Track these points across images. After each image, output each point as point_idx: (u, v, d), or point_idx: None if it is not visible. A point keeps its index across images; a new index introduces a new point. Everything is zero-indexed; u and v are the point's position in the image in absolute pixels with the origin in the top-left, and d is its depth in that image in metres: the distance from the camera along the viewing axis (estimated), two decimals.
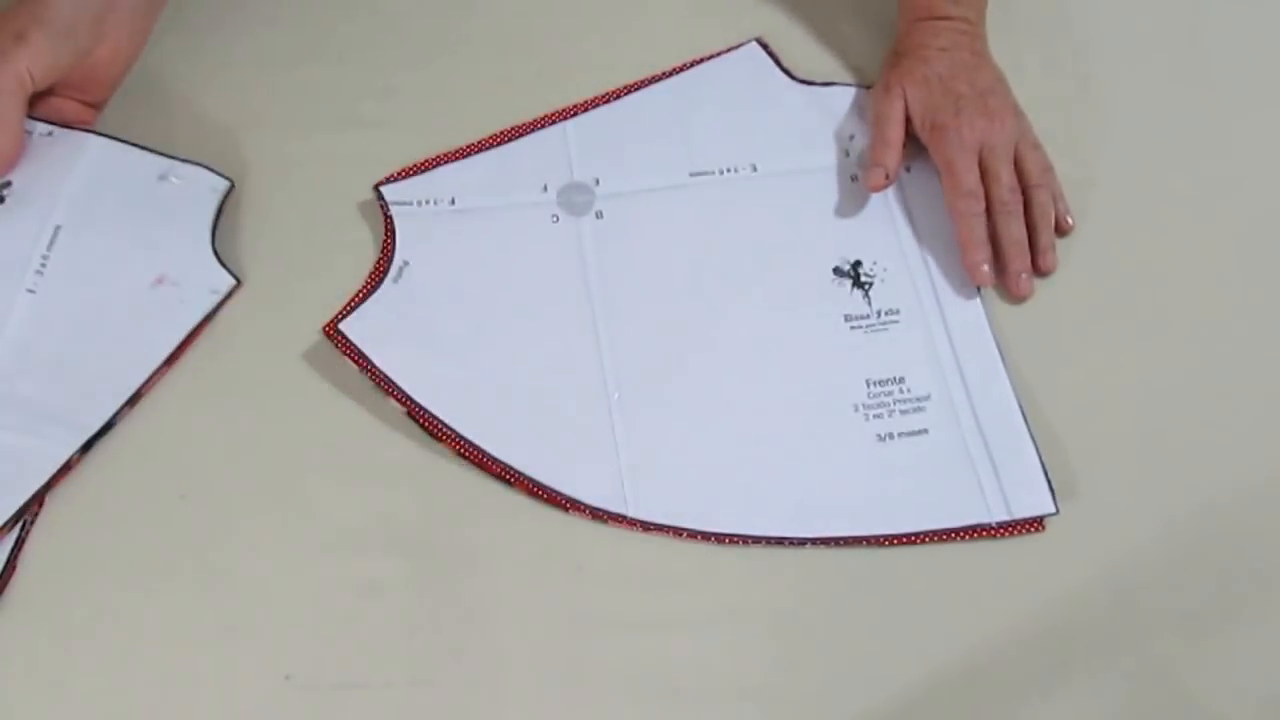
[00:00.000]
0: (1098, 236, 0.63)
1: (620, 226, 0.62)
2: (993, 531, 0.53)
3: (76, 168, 0.62)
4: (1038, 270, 0.61)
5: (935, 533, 0.53)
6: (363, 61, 0.70)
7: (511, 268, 0.61)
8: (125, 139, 0.64)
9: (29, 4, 0.59)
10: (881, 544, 0.53)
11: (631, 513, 0.54)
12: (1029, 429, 0.55)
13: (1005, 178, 0.61)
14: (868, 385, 0.57)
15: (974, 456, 0.55)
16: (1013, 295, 0.60)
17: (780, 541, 0.53)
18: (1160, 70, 0.70)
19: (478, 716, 0.50)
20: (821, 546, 0.53)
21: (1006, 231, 0.61)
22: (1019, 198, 0.61)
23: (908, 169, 0.64)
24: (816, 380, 0.58)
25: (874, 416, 0.56)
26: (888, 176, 0.62)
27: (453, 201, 0.63)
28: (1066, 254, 0.62)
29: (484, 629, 0.51)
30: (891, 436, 0.56)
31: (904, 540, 0.53)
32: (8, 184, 0.61)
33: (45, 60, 0.58)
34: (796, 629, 0.51)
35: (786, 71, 0.69)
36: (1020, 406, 0.56)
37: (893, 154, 0.63)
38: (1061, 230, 0.63)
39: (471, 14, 0.72)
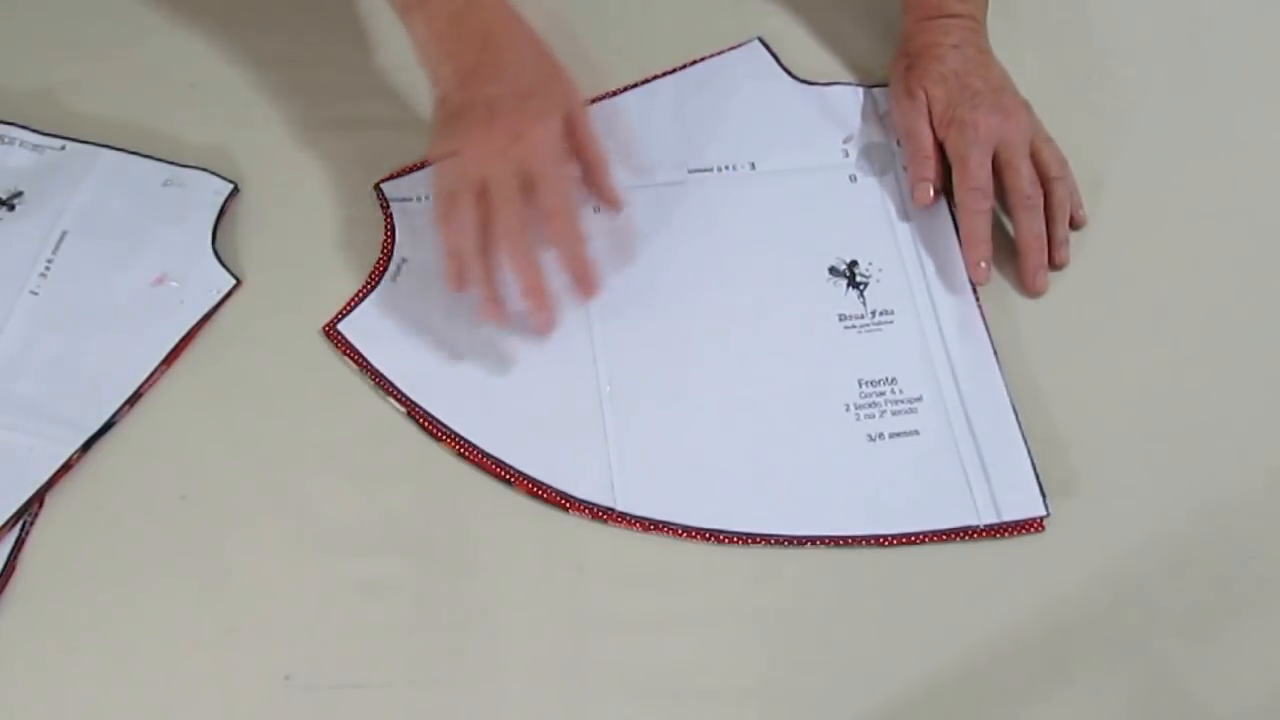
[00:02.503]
0: (1098, 236, 0.63)
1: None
2: (992, 532, 0.53)
3: (86, 178, 0.63)
4: (1053, 263, 0.61)
5: (935, 533, 0.53)
6: (363, 61, 0.70)
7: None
8: (133, 146, 0.65)
9: None
10: (881, 544, 0.53)
11: (620, 506, 0.54)
12: (1022, 432, 0.55)
13: (1026, 171, 0.61)
14: (859, 385, 0.57)
15: (964, 459, 0.55)
16: (1029, 291, 0.60)
17: (780, 541, 0.53)
18: (1162, 70, 0.70)
19: (478, 716, 0.50)
20: (821, 546, 0.53)
21: (1028, 226, 0.60)
22: (1040, 191, 0.61)
23: (906, 168, 0.64)
24: (809, 379, 0.58)
25: (865, 416, 0.56)
26: (934, 191, 0.62)
27: None
28: None
29: (484, 629, 0.51)
30: (882, 437, 0.56)
31: (903, 540, 0.53)
32: (19, 194, 0.62)
33: None
34: (796, 629, 0.51)
35: (787, 70, 0.69)
36: (1014, 409, 0.56)
37: (932, 165, 0.62)
38: (1075, 224, 0.63)
39: None
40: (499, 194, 0.54)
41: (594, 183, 0.59)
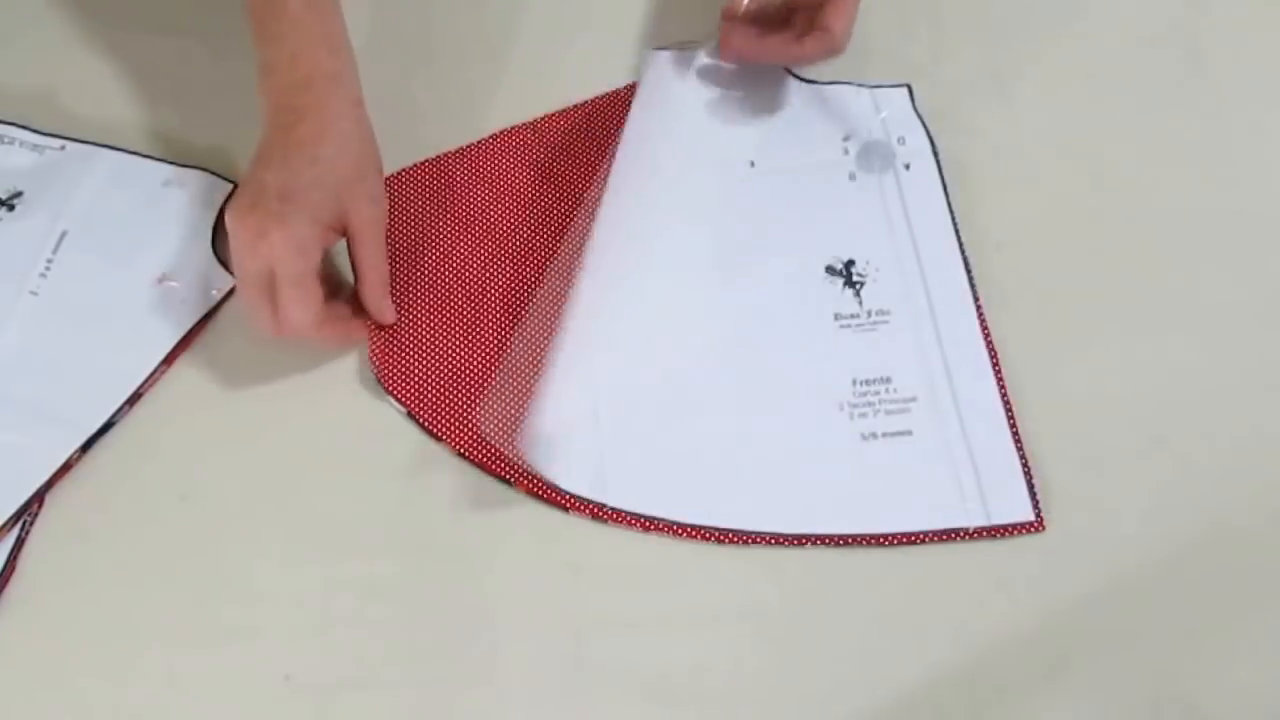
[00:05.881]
0: (1096, 237, 0.63)
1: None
2: (992, 532, 0.53)
3: (86, 178, 0.63)
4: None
5: (934, 533, 0.53)
6: (363, 61, 0.70)
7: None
8: (133, 146, 0.65)
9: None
10: (881, 543, 0.53)
11: (612, 502, 0.54)
12: (1015, 434, 0.55)
13: None
14: (854, 384, 0.57)
15: (956, 461, 0.55)
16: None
17: (779, 541, 0.53)
18: (1163, 69, 0.70)
19: (478, 716, 0.50)
20: (820, 546, 0.53)
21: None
22: None
23: (907, 166, 0.64)
24: (803, 377, 0.58)
25: (859, 415, 0.56)
26: None
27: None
28: (1065, 254, 0.62)
29: (484, 629, 0.52)
30: (875, 436, 0.56)
31: (903, 540, 0.53)
32: (19, 193, 0.62)
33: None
34: (796, 629, 0.51)
35: (787, 68, 0.69)
36: (1009, 412, 0.56)
37: None
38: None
39: (472, 13, 0.72)
40: (242, 288, 0.54)
41: (361, 296, 0.57)
